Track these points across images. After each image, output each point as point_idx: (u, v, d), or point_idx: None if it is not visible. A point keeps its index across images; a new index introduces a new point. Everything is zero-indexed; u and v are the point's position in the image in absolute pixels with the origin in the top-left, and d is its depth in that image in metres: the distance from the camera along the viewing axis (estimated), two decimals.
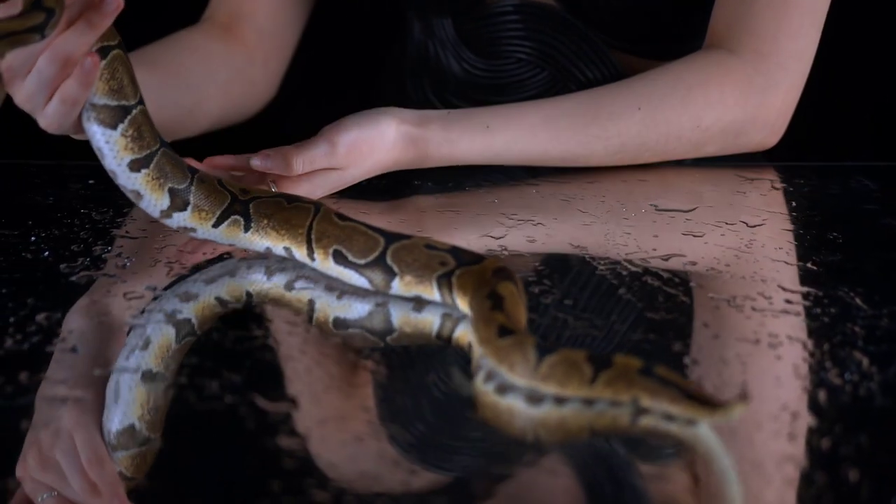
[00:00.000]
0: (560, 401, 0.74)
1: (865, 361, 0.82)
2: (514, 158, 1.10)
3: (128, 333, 0.83)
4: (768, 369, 0.81)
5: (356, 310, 0.87)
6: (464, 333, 0.84)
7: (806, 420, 0.75)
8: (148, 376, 0.77)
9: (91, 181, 1.19)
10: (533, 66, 1.26)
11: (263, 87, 1.33)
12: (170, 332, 0.83)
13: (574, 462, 0.71)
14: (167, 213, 0.93)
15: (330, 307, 0.88)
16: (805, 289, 0.94)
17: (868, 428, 0.74)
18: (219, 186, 0.93)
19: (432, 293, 0.87)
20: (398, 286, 0.87)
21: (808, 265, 0.99)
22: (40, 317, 0.86)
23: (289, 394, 0.76)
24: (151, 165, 0.91)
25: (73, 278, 0.94)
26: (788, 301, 0.92)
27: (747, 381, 0.79)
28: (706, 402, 0.72)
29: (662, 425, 0.73)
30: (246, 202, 0.92)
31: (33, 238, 1.01)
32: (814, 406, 0.77)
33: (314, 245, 0.89)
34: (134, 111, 0.91)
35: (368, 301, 0.88)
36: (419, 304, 0.88)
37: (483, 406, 0.77)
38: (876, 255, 1.04)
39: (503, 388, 0.76)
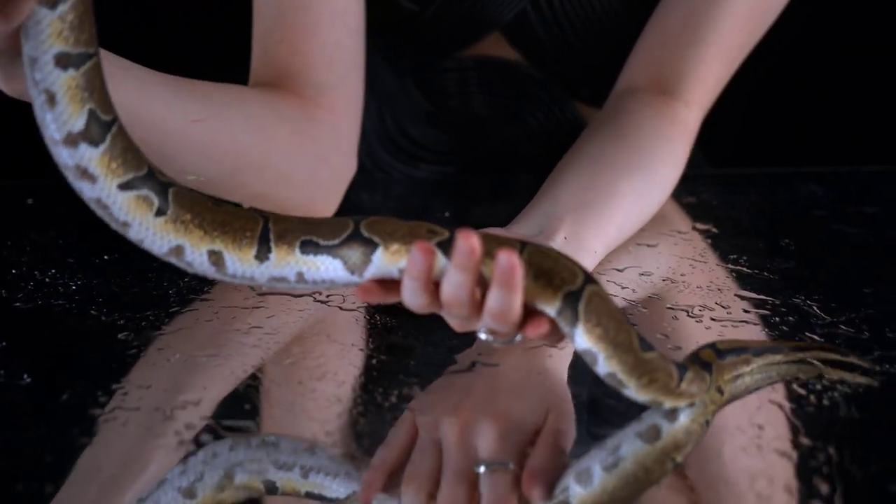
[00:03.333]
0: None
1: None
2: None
3: None
4: None
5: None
6: None
7: (772, 432, 0.74)
8: None
9: (30, 200, 1.16)
10: (493, 120, 1.25)
11: (342, 158, 1.09)
12: None
13: None
14: (73, 140, 0.74)
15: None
16: (762, 297, 0.94)
17: (835, 439, 0.74)
18: (136, 150, 0.77)
19: None
20: (382, 259, 0.76)
21: (764, 273, 0.99)
22: None
23: None
24: (81, 70, 0.74)
25: (17, 304, 0.91)
26: (746, 310, 0.92)
27: None
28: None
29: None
30: (164, 184, 0.77)
31: None
32: (779, 417, 0.76)
33: (273, 243, 0.78)
34: None
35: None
36: None
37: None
38: (829, 262, 1.04)
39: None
